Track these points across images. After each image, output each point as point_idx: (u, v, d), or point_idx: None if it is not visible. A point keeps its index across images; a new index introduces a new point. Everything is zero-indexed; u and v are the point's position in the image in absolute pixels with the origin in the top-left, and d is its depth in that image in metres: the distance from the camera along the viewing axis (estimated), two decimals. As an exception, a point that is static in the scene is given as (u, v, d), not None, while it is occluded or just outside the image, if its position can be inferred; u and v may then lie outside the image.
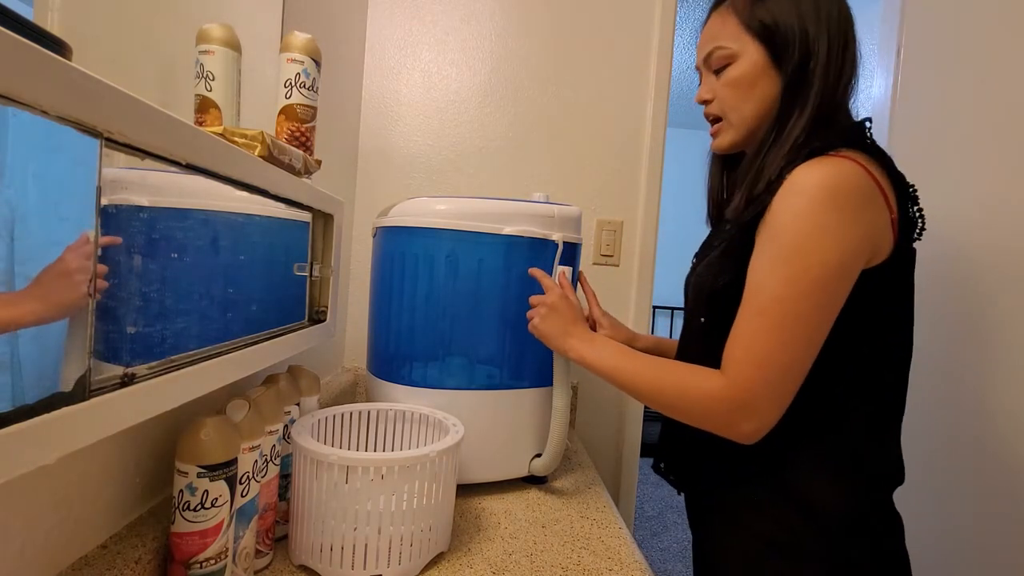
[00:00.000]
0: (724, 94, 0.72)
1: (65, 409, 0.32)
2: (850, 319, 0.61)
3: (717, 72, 0.72)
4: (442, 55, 1.32)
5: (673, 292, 4.65)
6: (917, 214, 0.65)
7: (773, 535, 0.66)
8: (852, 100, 0.69)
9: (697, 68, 0.77)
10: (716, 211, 0.85)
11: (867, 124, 0.66)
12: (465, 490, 0.87)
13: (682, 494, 0.83)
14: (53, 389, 0.32)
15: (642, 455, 1.42)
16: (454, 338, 0.86)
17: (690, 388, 0.64)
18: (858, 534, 0.64)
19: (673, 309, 4.72)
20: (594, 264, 1.36)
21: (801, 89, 0.66)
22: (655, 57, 1.33)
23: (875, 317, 0.63)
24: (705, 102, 0.75)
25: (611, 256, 1.36)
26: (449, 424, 0.75)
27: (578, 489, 0.93)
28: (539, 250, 0.87)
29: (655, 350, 0.93)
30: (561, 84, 1.33)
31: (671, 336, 4.68)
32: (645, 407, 1.14)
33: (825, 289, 0.59)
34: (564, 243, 0.89)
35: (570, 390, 0.79)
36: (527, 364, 0.89)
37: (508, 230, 0.84)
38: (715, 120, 0.76)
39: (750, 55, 0.69)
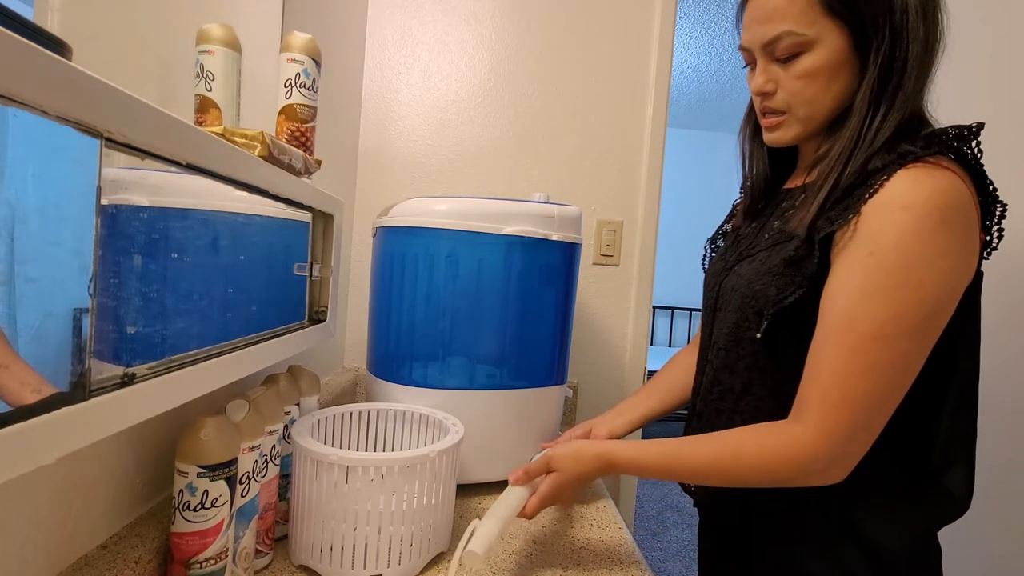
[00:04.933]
0: (796, 87, 0.61)
1: (65, 409, 0.32)
2: None
3: (783, 60, 0.61)
4: (442, 55, 1.32)
5: (673, 292, 4.65)
6: (997, 234, 0.58)
7: (816, 563, 0.62)
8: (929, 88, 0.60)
9: (745, 49, 0.65)
10: (759, 202, 0.75)
11: (973, 129, 0.54)
12: (465, 490, 0.87)
13: (696, 507, 0.78)
14: (53, 389, 0.32)
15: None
16: (454, 338, 0.86)
17: (767, 449, 0.56)
18: (884, 563, 0.59)
19: (673, 309, 4.68)
20: (594, 264, 1.36)
21: (890, 79, 0.57)
22: (655, 57, 1.33)
23: (942, 341, 0.56)
24: (764, 94, 0.64)
25: (611, 256, 1.36)
26: (449, 424, 0.75)
27: (578, 489, 0.93)
28: (539, 250, 0.87)
29: (665, 405, 0.87)
30: (561, 84, 1.33)
31: (671, 336, 4.68)
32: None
33: (932, 324, 0.53)
34: (564, 243, 0.89)
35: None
36: (527, 364, 0.89)
37: (508, 230, 0.84)
38: (774, 112, 0.65)
39: (831, 42, 0.58)
